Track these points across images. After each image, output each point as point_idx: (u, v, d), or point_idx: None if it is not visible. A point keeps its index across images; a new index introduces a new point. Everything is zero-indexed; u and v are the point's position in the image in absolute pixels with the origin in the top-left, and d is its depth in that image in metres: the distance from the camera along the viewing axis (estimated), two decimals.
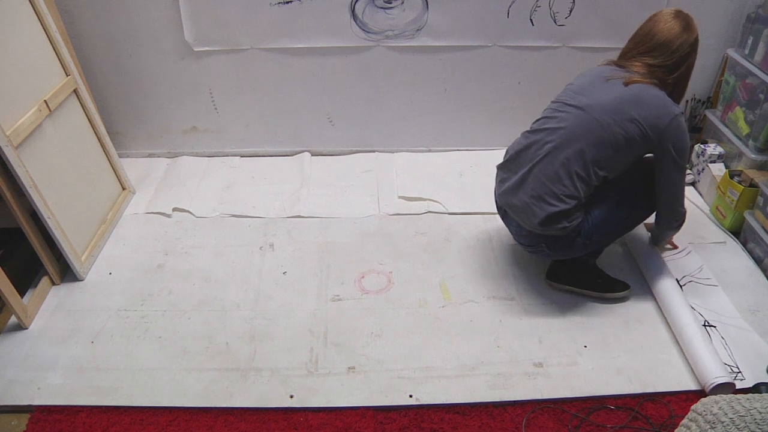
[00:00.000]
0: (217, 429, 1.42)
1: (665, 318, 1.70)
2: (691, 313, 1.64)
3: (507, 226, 1.81)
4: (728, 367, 1.55)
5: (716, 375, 1.45)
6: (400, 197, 2.25)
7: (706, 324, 1.69)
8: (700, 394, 1.48)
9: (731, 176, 2.04)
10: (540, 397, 1.49)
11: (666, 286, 1.73)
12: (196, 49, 2.26)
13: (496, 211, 1.83)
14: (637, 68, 1.59)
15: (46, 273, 1.81)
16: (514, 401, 1.48)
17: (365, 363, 1.58)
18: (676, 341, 1.63)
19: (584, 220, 1.63)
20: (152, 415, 1.45)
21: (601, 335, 1.66)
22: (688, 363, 1.56)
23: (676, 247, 1.97)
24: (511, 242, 1.98)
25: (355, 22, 2.21)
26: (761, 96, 2.01)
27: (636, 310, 1.74)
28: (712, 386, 1.45)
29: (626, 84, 1.56)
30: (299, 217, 2.16)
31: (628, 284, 1.78)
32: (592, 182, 1.59)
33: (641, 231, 1.97)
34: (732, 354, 1.59)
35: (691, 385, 1.51)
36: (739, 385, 1.51)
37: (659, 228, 1.79)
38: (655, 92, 1.56)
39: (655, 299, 1.76)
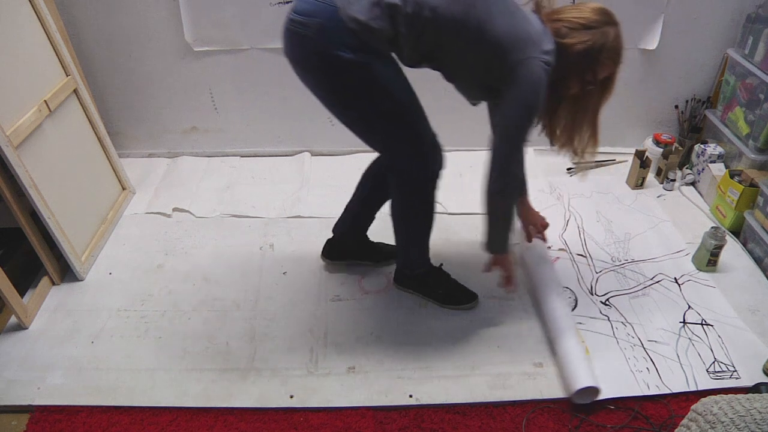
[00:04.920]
0: (217, 429, 1.42)
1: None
2: (569, 323, 1.59)
3: None
4: (724, 366, 1.55)
5: (579, 383, 1.43)
6: None
7: (704, 323, 1.69)
8: (700, 394, 1.48)
9: (731, 176, 2.05)
10: (540, 397, 1.49)
11: (546, 296, 1.68)
12: (196, 49, 2.26)
13: None
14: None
15: (46, 273, 1.81)
16: (514, 401, 1.48)
17: (365, 363, 1.58)
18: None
19: (366, 68, 1.34)
20: (152, 415, 1.45)
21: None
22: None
23: (510, 286, 1.62)
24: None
25: None
26: (761, 96, 2.01)
27: None
28: (575, 392, 1.43)
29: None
30: (299, 217, 2.16)
31: (476, 295, 1.75)
32: (401, 15, 1.28)
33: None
34: (729, 353, 1.59)
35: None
36: (735, 384, 1.51)
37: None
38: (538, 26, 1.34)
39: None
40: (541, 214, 1.87)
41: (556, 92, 1.41)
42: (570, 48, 1.34)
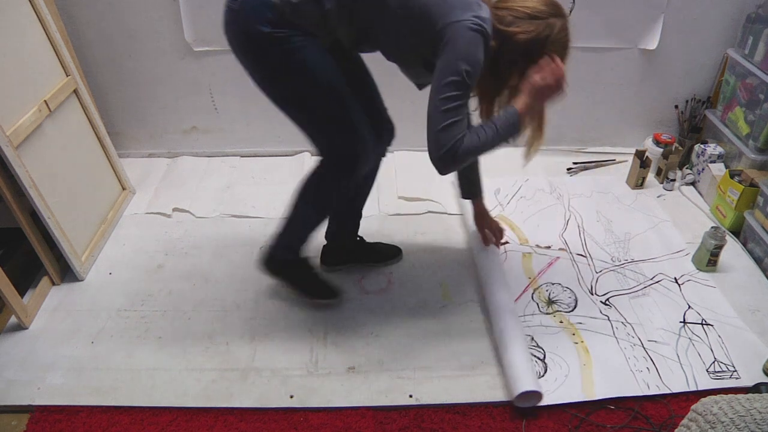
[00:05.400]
0: (217, 429, 1.42)
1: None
2: (517, 327, 1.58)
3: None
4: (724, 366, 1.55)
5: (520, 386, 1.42)
6: (400, 197, 2.25)
7: (704, 323, 1.69)
8: (700, 394, 1.48)
9: (731, 176, 2.05)
10: None
11: (495, 298, 1.68)
12: (196, 49, 2.26)
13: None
14: None
15: (46, 273, 1.81)
16: None
17: (365, 363, 1.58)
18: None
19: (294, 49, 1.32)
20: (152, 415, 1.45)
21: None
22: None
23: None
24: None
25: None
26: (761, 96, 2.01)
27: None
28: (516, 395, 1.42)
29: None
30: None
31: (336, 293, 1.74)
32: None
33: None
34: (728, 353, 1.59)
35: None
36: (735, 384, 1.51)
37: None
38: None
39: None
40: (541, 213, 1.86)
41: (495, 79, 1.36)
42: (513, 37, 1.28)
